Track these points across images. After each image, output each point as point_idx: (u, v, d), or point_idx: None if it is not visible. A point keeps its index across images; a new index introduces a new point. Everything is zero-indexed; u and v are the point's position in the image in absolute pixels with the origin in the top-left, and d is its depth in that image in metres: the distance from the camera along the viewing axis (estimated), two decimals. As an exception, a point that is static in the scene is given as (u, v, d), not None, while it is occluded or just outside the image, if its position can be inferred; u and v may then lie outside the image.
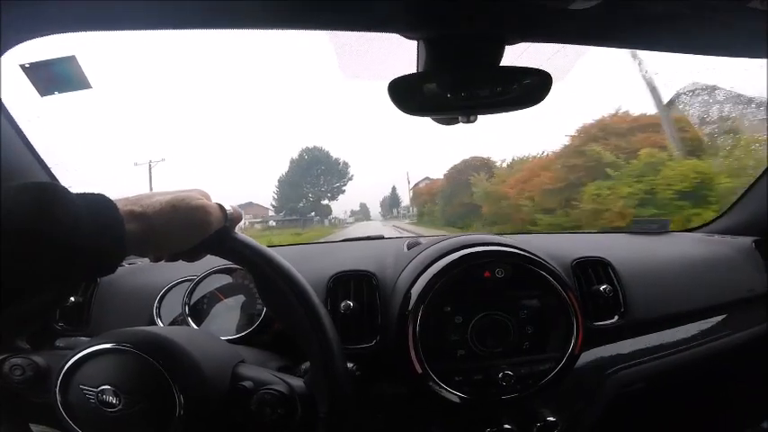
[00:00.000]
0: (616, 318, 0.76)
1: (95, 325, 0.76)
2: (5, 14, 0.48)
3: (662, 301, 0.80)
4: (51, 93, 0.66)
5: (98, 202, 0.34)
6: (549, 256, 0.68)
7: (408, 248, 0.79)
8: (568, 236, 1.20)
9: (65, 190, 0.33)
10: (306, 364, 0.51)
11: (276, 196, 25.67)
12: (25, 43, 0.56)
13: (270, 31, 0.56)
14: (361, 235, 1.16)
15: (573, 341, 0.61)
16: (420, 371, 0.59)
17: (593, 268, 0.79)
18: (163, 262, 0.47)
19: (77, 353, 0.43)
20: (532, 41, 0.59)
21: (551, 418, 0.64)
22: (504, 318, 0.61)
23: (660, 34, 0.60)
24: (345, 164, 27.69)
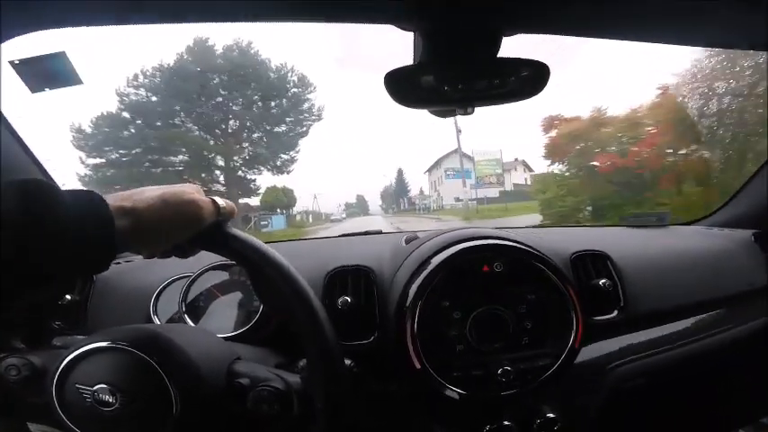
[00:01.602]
0: (615, 312, 0.75)
1: (92, 323, 0.75)
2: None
3: (662, 295, 0.79)
4: (42, 89, 0.65)
5: (88, 200, 0.34)
6: (547, 249, 0.67)
7: (406, 243, 0.79)
8: (567, 230, 1.19)
9: (54, 188, 0.32)
10: (303, 361, 0.51)
11: (84, 155, 10.55)
12: (14, 39, 0.55)
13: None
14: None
15: (572, 336, 0.61)
16: (419, 366, 0.58)
17: (592, 262, 0.78)
18: (159, 259, 0.46)
19: (72, 352, 0.43)
20: (531, 33, 0.58)
21: (551, 415, 0.64)
22: (503, 312, 0.61)
23: (663, 26, 0.59)
24: (305, 81, 12.28)
